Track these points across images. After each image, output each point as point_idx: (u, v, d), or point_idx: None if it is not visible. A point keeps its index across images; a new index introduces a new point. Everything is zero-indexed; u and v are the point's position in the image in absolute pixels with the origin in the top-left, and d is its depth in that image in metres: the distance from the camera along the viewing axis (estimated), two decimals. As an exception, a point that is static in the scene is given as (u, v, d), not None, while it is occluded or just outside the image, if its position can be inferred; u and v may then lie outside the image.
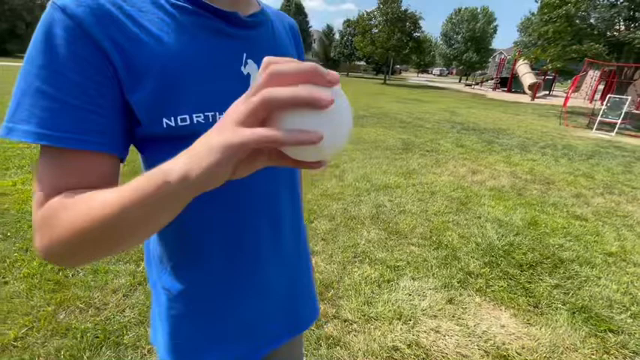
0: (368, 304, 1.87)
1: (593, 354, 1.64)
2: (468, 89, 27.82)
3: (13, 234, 2.28)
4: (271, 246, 0.57)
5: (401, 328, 1.72)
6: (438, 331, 1.72)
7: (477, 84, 33.62)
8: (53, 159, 0.36)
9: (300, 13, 43.65)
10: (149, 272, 0.59)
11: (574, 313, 1.92)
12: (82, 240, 0.33)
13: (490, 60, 42.03)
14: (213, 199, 0.45)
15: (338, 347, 1.58)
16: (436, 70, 64.61)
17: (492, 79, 30.92)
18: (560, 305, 1.97)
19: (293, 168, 0.58)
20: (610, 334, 1.77)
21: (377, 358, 1.54)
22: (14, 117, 0.35)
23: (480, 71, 42.18)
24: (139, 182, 0.31)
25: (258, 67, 0.47)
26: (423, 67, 59.41)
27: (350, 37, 38.71)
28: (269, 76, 0.28)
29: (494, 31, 39.72)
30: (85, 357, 1.42)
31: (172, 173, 0.29)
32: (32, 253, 2.08)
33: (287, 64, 0.28)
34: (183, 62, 0.41)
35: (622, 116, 8.83)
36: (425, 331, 1.72)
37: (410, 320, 1.78)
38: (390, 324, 1.74)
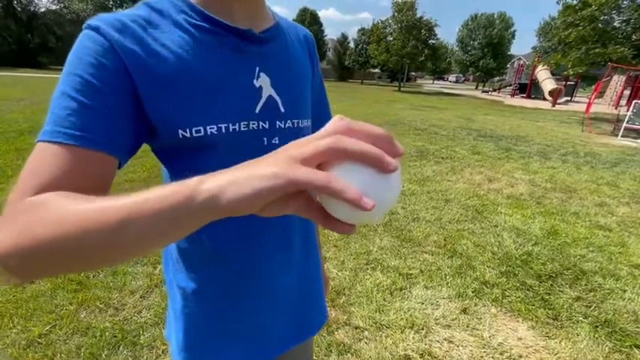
0: (380, 312, 1.86)
1: (617, 370, 1.57)
2: (484, 96, 27.35)
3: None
4: (282, 249, 0.59)
5: (413, 337, 1.69)
6: (451, 342, 1.69)
7: (494, 90, 33.01)
8: (56, 155, 0.36)
9: (315, 22, 44.30)
10: (166, 270, 0.62)
11: (597, 327, 1.84)
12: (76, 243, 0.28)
13: (508, 66, 41.28)
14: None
15: (349, 354, 1.57)
16: (452, 77, 63.92)
17: (510, 85, 30.29)
18: (581, 318, 1.89)
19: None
20: (636, 351, 1.68)
21: (388, 366, 1.52)
22: (51, 121, 0.37)
23: (497, 77, 41.43)
24: (163, 191, 0.28)
25: (271, 80, 0.50)
26: (439, 74, 58.91)
27: (364, 46, 38.93)
28: (345, 125, 0.27)
29: (513, 37, 39.03)
30: (103, 355, 1.47)
31: (201, 192, 0.27)
32: (57, 255, 2.18)
33: (363, 124, 0.27)
34: (198, 77, 0.44)
35: (650, 122, 8.45)
36: (438, 341, 1.68)
37: (422, 329, 1.75)
38: (402, 332, 1.72)
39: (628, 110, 9.30)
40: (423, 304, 1.94)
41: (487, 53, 38.23)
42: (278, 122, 0.51)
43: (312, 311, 0.71)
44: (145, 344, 1.55)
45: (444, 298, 2.01)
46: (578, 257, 2.53)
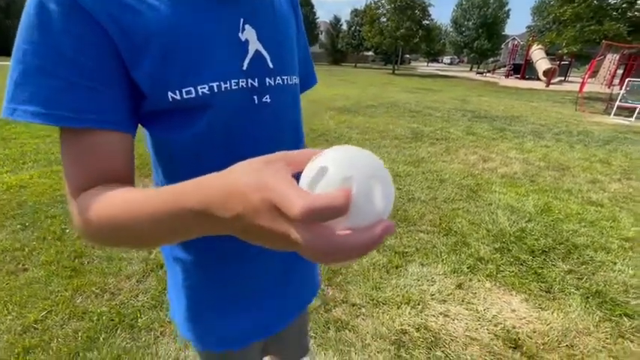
0: (376, 289, 1.88)
1: (607, 338, 1.61)
2: (479, 77, 27.15)
3: (31, 224, 2.36)
4: None
5: (409, 312, 1.72)
6: (447, 315, 1.72)
7: (488, 72, 32.79)
8: (69, 143, 0.37)
9: (306, 4, 43.12)
10: (162, 248, 0.61)
11: (588, 297, 1.88)
12: (116, 235, 0.36)
13: (502, 47, 40.88)
14: None
15: (346, 330, 1.59)
16: (446, 59, 63.24)
17: (505, 66, 30.08)
18: (573, 290, 1.93)
19: (298, 142, 0.59)
20: (625, 319, 1.73)
21: (385, 340, 1.55)
22: (16, 97, 0.35)
23: (492, 58, 41.07)
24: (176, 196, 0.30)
25: (257, 33, 0.46)
26: (433, 56, 58.20)
27: (358, 28, 38.14)
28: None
29: (507, 16, 38.43)
30: (101, 338, 1.47)
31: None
32: (49, 242, 2.16)
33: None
34: (181, 32, 0.39)
35: (642, 100, 8.48)
36: (434, 315, 1.71)
37: (419, 305, 1.78)
38: (398, 308, 1.75)
39: (621, 89, 9.30)
40: (418, 280, 1.97)
41: (481, 34, 37.69)
42: (268, 79, 0.48)
43: (309, 276, 0.72)
44: (143, 327, 1.55)
45: (439, 274, 2.03)
46: (571, 232, 2.57)
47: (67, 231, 2.29)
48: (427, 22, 27.18)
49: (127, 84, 0.39)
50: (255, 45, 0.46)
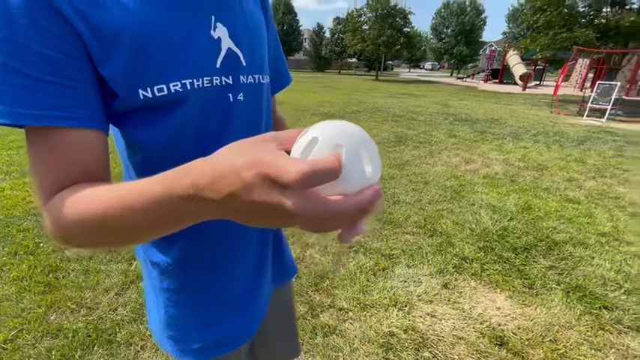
0: (363, 293, 1.87)
1: (588, 330, 1.65)
2: (460, 82, 27.92)
3: (2, 239, 2.24)
4: None
5: (397, 314, 1.71)
6: (434, 316, 1.72)
7: (468, 77, 33.76)
8: (39, 143, 0.35)
9: (289, 12, 43.48)
10: (136, 250, 0.59)
11: (569, 292, 1.92)
12: (93, 234, 0.34)
13: (481, 52, 42.23)
14: None
15: (334, 335, 1.57)
16: (428, 65, 64.76)
17: (483, 71, 31.04)
18: (554, 285, 1.98)
19: None
20: (605, 311, 1.78)
21: (373, 344, 1.53)
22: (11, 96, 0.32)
23: (471, 64, 42.34)
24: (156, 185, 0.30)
25: (228, 31, 0.45)
26: (415, 62, 59.55)
27: (341, 35, 38.67)
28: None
29: (484, 24, 39.84)
30: (76, 356, 1.40)
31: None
32: (21, 257, 2.05)
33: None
34: (151, 28, 0.38)
35: (612, 102, 8.90)
36: (421, 316, 1.71)
37: (406, 306, 1.78)
38: (385, 311, 1.74)
39: (592, 91, 9.74)
40: (405, 282, 1.97)
41: (460, 40, 38.88)
42: (242, 77, 0.48)
43: (287, 268, 0.73)
44: (122, 341, 1.48)
45: (425, 275, 2.04)
46: (550, 229, 2.64)
47: (41, 245, 2.19)
48: (408, 29, 27.85)
49: (96, 81, 0.37)
50: (227, 43, 0.45)
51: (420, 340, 1.56)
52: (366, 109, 8.98)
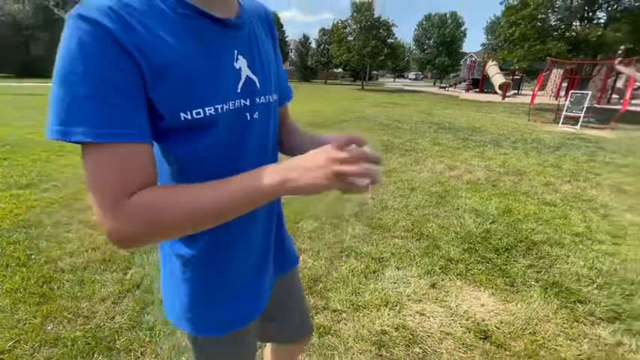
0: (356, 294, 1.95)
1: (564, 323, 1.77)
2: (442, 91, 28.74)
3: (-8, 251, 2.22)
4: (265, 210, 0.68)
5: (388, 314, 1.80)
6: (422, 314, 1.81)
7: (450, 86, 34.79)
8: (109, 155, 0.41)
9: (275, 22, 43.91)
10: (161, 247, 0.67)
11: (546, 288, 2.05)
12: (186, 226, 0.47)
13: (462, 63, 43.66)
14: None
15: (329, 335, 1.64)
16: (411, 75, 66.35)
17: (465, 81, 32.09)
18: (533, 283, 2.11)
19: (275, 149, 0.71)
20: (579, 305, 1.91)
21: (367, 342, 1.61)
22: (66, 121, 0.40)
23: (452, 74, 43.70)
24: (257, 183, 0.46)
25: (246, 61, 0.55)
26: (399, 72, 60.95)
27: (326, 46, 39.34)
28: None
29: (464, 35, 41.36)
30: (77, 363, 1.42)
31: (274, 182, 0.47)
32: (13, 269, 2.04)
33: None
34: (191, 64, 0.47)
35: (584, 110, 9.40)
36: (411, 315, 1.80)
37: (396, 306, 1.86)
38: (377, 310, 1.82)
39: (566, 100, 10.26)
40: (395, 283, 2.06)
41: (442, 51, 40.20)
42: (257, 98, 0.58)
43: (289, 258, 0.83)
44: (122, 348, 1.51)
45: (414, 276, 2.14)
46: (529, 230, 2.80)
47: (33, 256, 2.18)
48: (392, 40, 28.61)
49: (146, 105, 0.45)
50: (246, 71, 0.55)
51: (411, 336, 1.65)
52: (352, 118, 9.17)
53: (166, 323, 1.65)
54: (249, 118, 0.57)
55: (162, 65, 0.44)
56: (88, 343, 1.52)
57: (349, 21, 28.49)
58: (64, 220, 2.68)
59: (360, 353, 1.55)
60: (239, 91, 0.54)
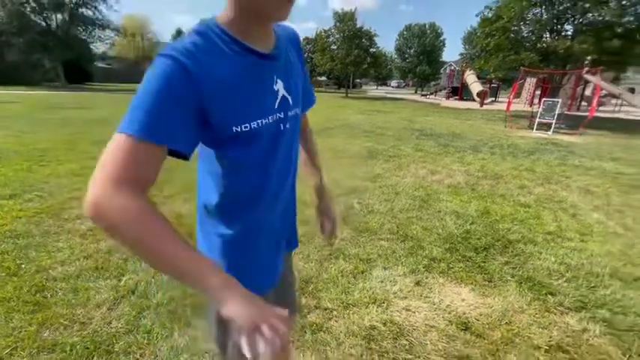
0: (345, 294, 2.05)
1: (536, 313, 1.93)
2: (423, 99, 29.58)
3: (-21, 262, 2.20)
4: (289, 195, 0.84)
5: (376, 310, 1.91)
6: (408, 309, 1.93)
7: (431, 94, 35.84)
8: (142, 150, 0.52)
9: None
10: (201, 230, 0.80)
11: (521, 283, 2.22)
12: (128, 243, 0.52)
13: (442, 71, 45.09)
14: (266, 173, 0.72)
15: (321, 332, 1.73)
16: (394, 83, 67.90)
17: (445, 88, 33.15)
18: (509, 278, 2.27)
19: (297, 154, 0.87)
20: (550, 297, 2.08)
21: (357, 337, 1.71)
22: (130, 119, 0.52)
23: (433, 82, 45.01)
24: (200, 267, 0.53)
25: (282, 83, 0.70)
26: (382, 80, 62.23)
27: (310, 55, 39.80)
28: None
29: (443, 45, 42.82)
30: (77, 367, 1.45)
31: (219, 294, 0.53)
32: (4, 279, 2.03)
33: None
34: (242, 89, 0.62)
35: (556, 117, 9.95)
36: (397, 311, 1.92)
37: (384, 303, 1.98)
38: (366, 308, 1.93)
39: (539, 107, 10.83)
40: (382, 282, 2.18)
41: (422, 60, 41.44)
42: (289, 112, 0.73)
43: (294, 239, 0.98)
44: (121, 351, 1.55)
45: (399, 275, 2.26)
46: (506, 230, 2.99)
47: (23, 266, 2.17)
48: (374, 49, 29.29)
49: (200, 123, 0.58)
50: (282, 91, 0.70)
51: (398, 330, 1.76)
52: (337, 126, 9.36)
53: (164, 326, 1.71)
54: (282, 128, 0.72)
55: (220, 91, 0.58)
56: (87, 348, 1.55)
57: (332, 30, 29.03)
58: (53, 230, 2.67)
59: (351, 347, 1.64)
60: (276, 107, 0.69)
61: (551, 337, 1.75)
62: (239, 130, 0.62)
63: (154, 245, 0.51)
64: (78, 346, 1.55)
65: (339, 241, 2.69)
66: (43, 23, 25.61)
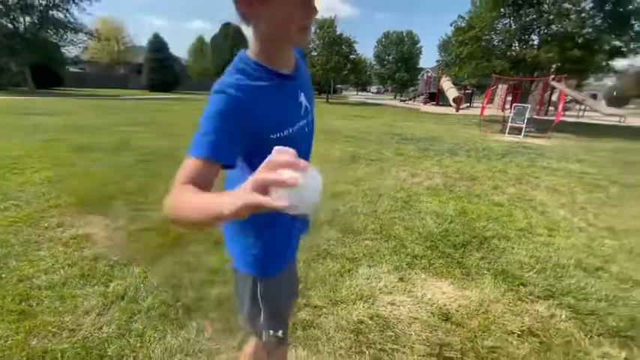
0: (333, 291, 2.13)
1: (510, 302, 2.09)
2: (402, 105, 30.36)
3: (-45, 274, 2.12)
4: None
5: (363, 306, 2.00)
6: (393, 304, 2.04)
7: (410, 100, 36.81)
8: (202, 166, 0.64)
9: (239, 38, 43.96)
10: (229, 228, 0.95)
11: (496, 275, 2.38)
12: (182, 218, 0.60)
13: (419, 78, 46.41)
14: None
15: (312, 328, 1.80)
16: (374, 89, 69.20)
17: (423, 94, 34.15)
18: (485, 271, 2.43)
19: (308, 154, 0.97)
20: (521, 287, 2.25)
21: (346, 331, 1.79)
22: (195, 144, 0.66)
23: (411, 88, 46.23)
24: (215, 203, 0.54)
25: (304, 96, 0.86)
26: (362, 86, 63.27)
27: (291, 60, 39.87)
28: (264, 167, 0.47)
29: (420, 52, 44.14)
30: (69, 372, 1.45)
31: (223, 210, 0.50)
32: (-15, 289, 1.98)
33: (277, 160, 0.46)
34: (279, 107, 0.77)
35: (526, 121, 10.53)
36: (383, 305, 2.02)
37: (370, 299, 2.07)
38: (354, 304, 2.02)
39: (510, 112, 11.42)
40: (368, 279, 2.28)
41: (401, 67, 42.52)
42: (309, 117, 0.89)
43: (308, 224, 1.13)
44: (114, 355, 1.56)
45: (384, 272, 2.37)
46: (482, 228, 3.17)
47: (4, 276, 2.12)
48: (354, 56, 29.86)
49: (247, 141, 0.72)
50: (304, 102, 0.86)
51: (384, 323, 1.86)
52: (320, 131, 9.42)
53: (156, 328, 1.73)
54: (306, 130, 0.88)
55: (262, 110, 0.73)
56: (78, 354, 1.55)
57: (312, 37, 29.36)
58: (33, 239, 2.60)
59: (341, 341, 1.73)
60: (302, 114, 0.85)
61: (523, 323, 1.90)
62: (275, 137, 0.76)
63: (190, 212, 0.57)
64: (69, 353, 1.55)
65: (327, 242, 2.78)
66: (10, 25, 24.41)
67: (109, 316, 1.82)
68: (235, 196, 0.48)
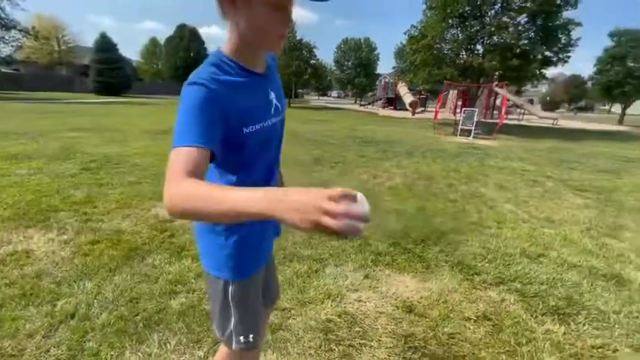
0: (301, 292, 2.14)
1: (466, 291, 2.24)
2: (362, 109, 31.27)
3: None
4: (271, 186, 0.97)
5: (331, 305, 2.03)
6: (360, 300, 2.09)
7: (369, 104, 38.02)
8: (191, 153, 0.63)
9: (195, 39, 42.52)
10: (199, 225, 0.95)
11: (453, 267, 2.54)
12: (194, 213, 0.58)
13: (377, 83, 48.13)
14: (263, 166, 0.92)
15: (281, 331, 1.80)
16: (334, 93, 70.54)
17: (381, 99, 35.46)
18: (443, 264, 2.59)
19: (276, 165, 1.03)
20: (475, 276, 2.42)
21: (315, 330, 1.81)
22: (184, 137, 0.65)
23: (370, 93, 47.79)
24: (250, 199, 0.51)
25: (274, 95, 0.89)
26: (322, 91, 64.18)
27: (251, 64, 39.36)
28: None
29: (377, 58, 45.83)
30: (11, 402, 1.31)
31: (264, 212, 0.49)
32: None
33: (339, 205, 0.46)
34: (249, 101, 0.79)
35: (474, 124, 11.37)
36: (350, 302, 2.07)
37: (337, 297, 2.11)
38: (322, 303, 2.04)
39: (461, 116, 12.26)
40: (335, 278, 2.32)
41: (359, 72, 43.81)
42: (280, 115, 0.93)
43: (280, 225, 1.11)
44: (64, 378, 1.43)
45: (350, 270, 2.43)
46: (439, 223, 3.37)
47: None
48: (314, 61, 30.20)
49: (223, 130, 0.72)
50: (274, 100, 0.89)
51: (352, 319, 1.90)
52: (285, 134, 9.44)
53: (112, 346, 1.61)
54: (279, 128, 0.94)
55: (235, 103, 0.74)
56: (22, 381, 1.40)
57: (273, 41, 29.17)
58: (-40, 258, 2.30)
59: (310, 340, 1.74)
60: (272, 112, 0.88)
61: (478, 309, 2.05)
62: (247, 131, 0.78)
63: (207, 204, 0.54)
64: (10, 380, 1.40)
65: (293, 245, 2.78)
66: None
67: (57, 338, 1.66)
68: (300, 201, 0.48)
